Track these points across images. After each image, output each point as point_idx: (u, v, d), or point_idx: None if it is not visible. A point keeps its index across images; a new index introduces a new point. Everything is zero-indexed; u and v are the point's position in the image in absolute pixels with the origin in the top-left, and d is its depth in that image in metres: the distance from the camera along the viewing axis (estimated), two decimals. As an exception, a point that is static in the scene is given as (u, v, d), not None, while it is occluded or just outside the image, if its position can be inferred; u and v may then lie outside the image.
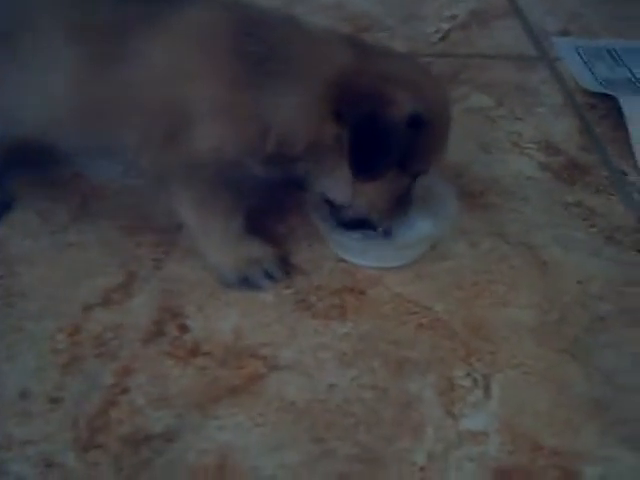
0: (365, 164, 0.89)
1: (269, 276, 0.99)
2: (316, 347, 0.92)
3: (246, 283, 0.98)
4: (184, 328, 0.94)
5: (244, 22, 0.92)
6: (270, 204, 1.07)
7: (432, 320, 0.96)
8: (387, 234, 1.00)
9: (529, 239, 1.08)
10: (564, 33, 1.56)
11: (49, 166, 1.09)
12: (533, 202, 1.15)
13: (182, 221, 0.98)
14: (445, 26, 1.57)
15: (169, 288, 0.99)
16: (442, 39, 1.53)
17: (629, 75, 1.43)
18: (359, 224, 0.98)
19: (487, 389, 0.88)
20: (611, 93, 1.33)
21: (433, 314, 0.96)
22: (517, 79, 1.42)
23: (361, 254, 1.03)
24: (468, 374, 0.90)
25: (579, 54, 1.48)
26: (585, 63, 1.46)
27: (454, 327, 0.95)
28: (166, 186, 0.95)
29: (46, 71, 0.93)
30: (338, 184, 0.92)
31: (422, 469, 0.80)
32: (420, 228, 1.06)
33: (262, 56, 0.89)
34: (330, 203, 0.97)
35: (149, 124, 0.91)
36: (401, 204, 0.98)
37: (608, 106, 1.33)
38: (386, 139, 0.87)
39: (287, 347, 0.92)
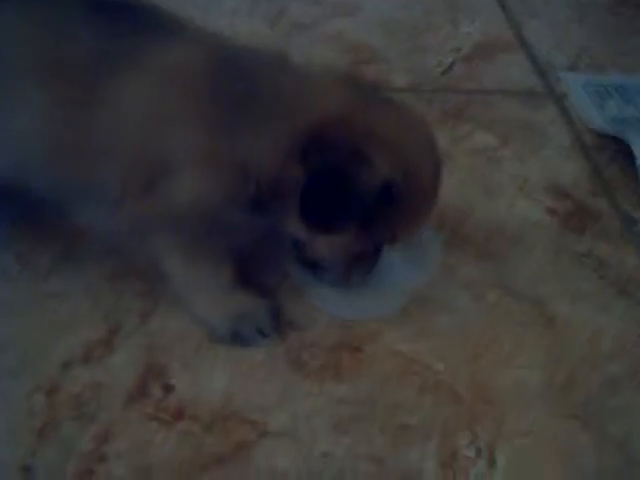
0: (314, 215, 0.83)
1: (261, 332, 0.93)
2: (309, 411, 0.86)
3: (237, 338, 0.92)
4: (168, 388, 0.88)
5: (224, 61, 0.86)
6: (259, 253, 1.00)
7: (435, 382, 0.90)
8: (339, 283, 0.95)
9: (536, 292, 1.03)
10: (572, 68, 1.51)
11: (28, 208, 1.03)
12: (540, 251, 1.09)
13: (167, 272, 0.92)
14: (448, 59, 1.52)
15: (154, 342, 0.93)
16: (444, 73, 1.48)
17: (639, 115, 1.37)
18: (312, 265, 0.93)
19: (492, 460, 0.83)
20: (619, 136, 1.28)
21: (436, 375, 0.91)
22: (523, 117, 1.36)
23: (335, 303, 0.98)
24: (472, 442, 0.84)
25: (587, 91, 1.43)
26: (593, 101, 1.40)
27: (458, 390, 0.89)
28: (149, 235, 0.89)
29: (16, 112, 0.87)
30: (295, 225, 0.86)
31: None
32: (400, 276, 1.00)
33: (242, 96, 0.83)
34: (295, 241, 0.92)
35: (126, 172, 0.86)
36: (360, 264, 0.92)
37: (618, 147, 1.28)
38: (345, 198, 0.80)
39: (278, 411, 0.86)
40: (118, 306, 0.96)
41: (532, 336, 0.97)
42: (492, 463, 0.82)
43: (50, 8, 0.89)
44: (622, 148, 1.27)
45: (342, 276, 0.93)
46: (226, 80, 0.84)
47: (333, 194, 0.80)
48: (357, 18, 1.63)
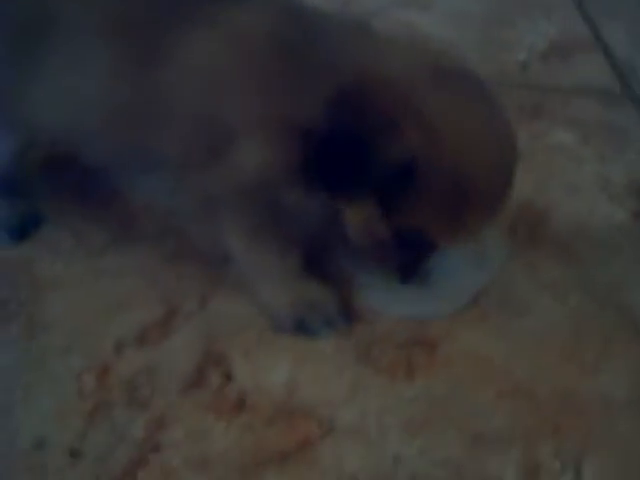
0: (328, 175, 0.74)
1: (328, 322, 0.86)
2: (379, 410, 0.80)
3: (302, 328, 0.86)
4: (228, 377, 0.82)
5: (292, 19, 0.80)
6: (328, 243, 0.93)
7: (513, 387, 0.83)
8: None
9: (620, 297, 0.95)
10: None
11: (85, 182, 0.97)
12: (624, 255, 1.01)
13: (231, 254, 0.86)
14: (524, 56, 1.44)
15: (214, 328, 0.87)
16: (520, 69, 1.40)
17: None
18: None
19: (578, 474, 0.75)
20: None
21: (514, 380, 0.83)
22: (602, 117, 1.29)
23: (389, 302, 0.91)
24: (556, 455, 0.76)
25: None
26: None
27: (539, 397, 0.82)
28: (214, 213, 0.83)
29: (74, 68, 0.82)
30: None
31: None
32: (458, 275, 0.92)
33: (304, 52, 0.77)
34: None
35: (190, 136, 0.80)
36: (389, 254, 0.83)
37: None
38: (360, 163, 0.72)
39: (346, 408, 0.80)
40: (176, 288, 0.91)
41: (618, 344, 0.89)
42: (579, 476, 0.75)
43: None
44: None
45: (370, 265, 0.87)
46: (291, 37, 0.78)
47: (349, 157, 0.72)
48: (429, 10, 1.56)
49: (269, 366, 0.83)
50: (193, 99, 0.79)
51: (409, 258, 0.84)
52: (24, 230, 0.96)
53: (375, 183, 0.74)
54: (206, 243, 0.89)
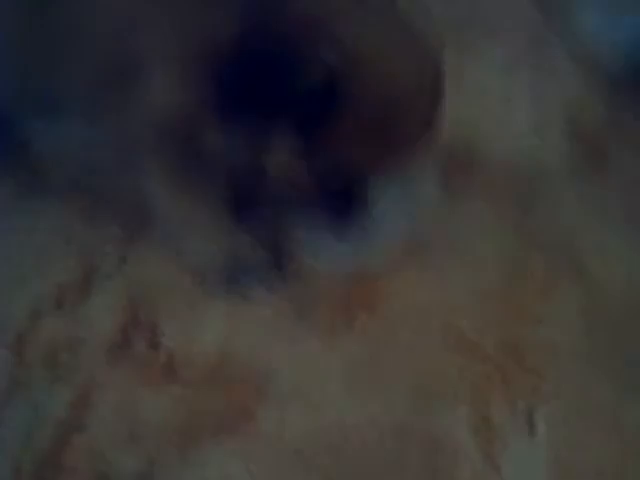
0: (237, 98, 0.71)
1: (262, 279, 0.81)
2: (321, 372, 0.75)
3: (234, 287, 0.80)
4: (156, 343, 0.76)
5: None
6: (262, 194, 0.87)
7: (460, 341, 0.79)
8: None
9: (562, 239, 0.91)
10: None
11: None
12: (568, 198, 0.96)
13: (153, 206, 0.79)
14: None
15: (137, 290, 0.80)
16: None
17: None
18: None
19: (531, 427, 0.73)
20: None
21: (459, 332, 0.80)
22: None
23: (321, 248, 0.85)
24: (507, 408, 0.74)
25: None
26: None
27: (486, 349, 0.79)
28: (134, 160, 0.76)
29: None
30: None
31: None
32: (385, 218, 0.88)
33: None
34: None
35: (98, 70, 0.73)
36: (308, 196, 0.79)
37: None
38: (273, 80, 0.69)
39: (286, 372, 0.75)
40: (94, 246, 0.83)
41: (565, 291, 0.86)
42: (532, 430, 0.73)
43: None
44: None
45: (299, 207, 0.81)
46: None
47: (268, 79, 0.69)
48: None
49: (199, 330, 0.77)
50: (100, 29, 0.72)
51: (337, 196, 0.80)
52: None
53: (295, 108, 0.71)
54: (125, 197, 0.82)
